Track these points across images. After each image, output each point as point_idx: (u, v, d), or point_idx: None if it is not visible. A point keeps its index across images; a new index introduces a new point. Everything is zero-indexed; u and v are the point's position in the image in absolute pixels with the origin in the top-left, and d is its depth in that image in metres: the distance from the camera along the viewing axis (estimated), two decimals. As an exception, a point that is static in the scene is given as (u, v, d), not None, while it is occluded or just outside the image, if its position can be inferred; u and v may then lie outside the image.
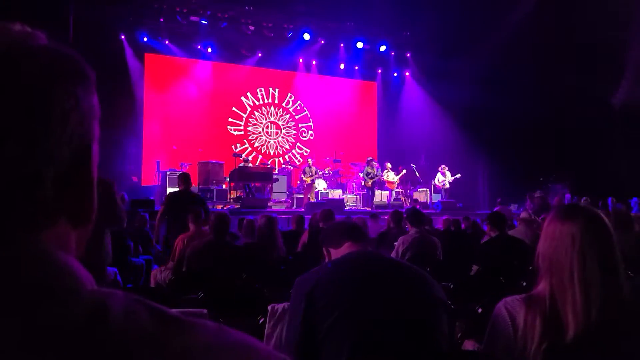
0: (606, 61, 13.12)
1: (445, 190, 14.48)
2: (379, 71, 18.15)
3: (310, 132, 17.19)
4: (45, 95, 0.50)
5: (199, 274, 3.95)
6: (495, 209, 10.96)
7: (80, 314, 0.46)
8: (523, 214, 6.69)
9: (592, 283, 1.37)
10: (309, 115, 17.20)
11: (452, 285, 3.58)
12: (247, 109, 16.29)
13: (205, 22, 14.52)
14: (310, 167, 13.19)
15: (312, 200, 12.62)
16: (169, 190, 10.54)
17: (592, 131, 13.92)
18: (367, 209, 13.16)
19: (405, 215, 5.68)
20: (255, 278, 3.86)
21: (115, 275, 5.22)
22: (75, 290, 0.48)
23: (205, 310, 2.55)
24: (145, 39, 14.30)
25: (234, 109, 16.04)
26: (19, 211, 0.49)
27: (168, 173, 12.12)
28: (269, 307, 2.70)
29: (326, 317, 1.71)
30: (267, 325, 2.65)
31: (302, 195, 13.17)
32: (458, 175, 14.41)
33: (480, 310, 2.69)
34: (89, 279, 0.50)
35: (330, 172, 14.48)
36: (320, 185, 13.82)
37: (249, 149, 16.00)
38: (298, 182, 13.87)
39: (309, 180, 13.01)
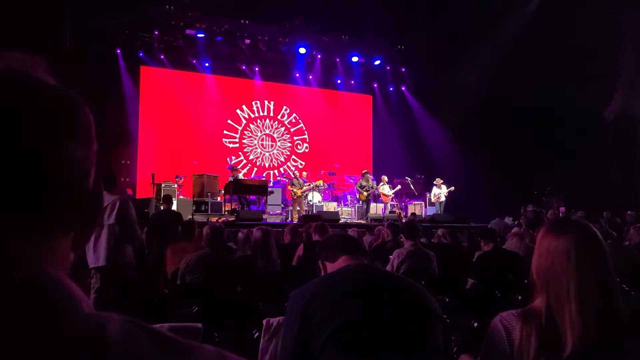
0: (599, 74, 13.24)
1: (441, 203, 14.50)
2: (375, 85, 18.24)
3: (305, 144, 17.22)
4: (70, 120, 0.54)
5: (194, 287, 3.93)
6: (492, 222, 10.99)
7: (77, 338, 0.45)
8: (515, 229, 6.72)
9: (589, 298, 1.37)
10: (304, 128, 17.24)
11: (447, 299, 3.57)
12: (242, 122, 16.31)
13: (201, 36, 14.58)
14: (297, 178, 13.17)
15: (302, 213, 12.60)
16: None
17: (586, 144, 14.01)
18: (362, 221, 13.14)
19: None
20: (251, 291, 3.84)
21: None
22: (73, 313, 0.47)
23: (200, 325, 2.53)
24: (140, 53, 14.34)
25: (229, 121, 16.06)
26: (23, 222, 0.49)
27: (163, 185, 12.08)
28: (264, 321, 2.68)
29: (322, 331, 1.70)
30: (262, 339, 2.64)
31: (292, 208, 13.14)
32: (452, 188, 14.45)
33: (475, 324, 2.68)
34: (86, 302, 0.49)
35: (325, 185, 14.47)
36: (315, 197, 13.80)
37: (244, 161, 16.00)
38: (292, 194, 13.84)
39: (299, 192, 12.98)
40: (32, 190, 0.50)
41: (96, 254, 4.87)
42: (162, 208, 7.55)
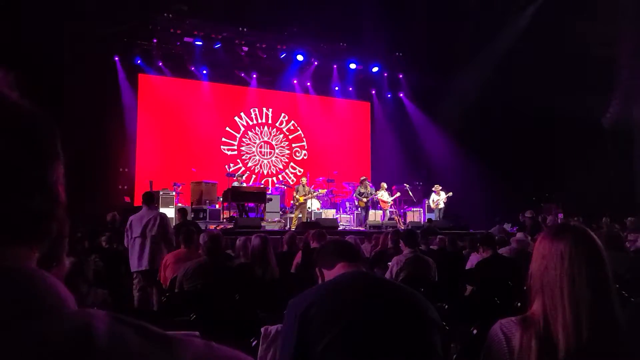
0: (597, 81, 13.28)
1: (440, 210, 14.50)
2: (373, 92, 18.28)
3: (303, 151, 17.23)
4: (46, 142, 0.56)
5: (192, 295, 3.91)
6: (493, 228, 11.00)
7: (64, 335, 0.45)
8: (519, 234, 6.70)
9: (582, 301, 1.37)
10: (303, 135, 17.25)
11: (446, 306, 3.56)
12: (240, 129, 16.32)
13: (199, 43, 14.62)
14: (304, 186, 13.18)
15: (303, 220, 12.59)
16: (162, 210, 10.52)
17: (584, 150, 14.03)
18: (361, 228, 13.13)
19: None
20: (249, 299, 3.82)
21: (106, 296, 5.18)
22: (59, 310, 0.47)
23: (197, 333, 2.51)
24: (138, 60, 14.37)
25: (227, 128, 16.07)
26: (7, 225, 0.50)
27: (161, 193, 12.06)
28: (262, 329, 2.67)
29: (320, 339, 1.69)
30: (260, 347, 2.62)
31: (294, 215, 13.13)
32: (450, 194, 14.47)
33: (475, 331, 2.67)
34: (71, 299, 0.50)
35: (324, 192, 14.47)
36: (314, 205, 13.79)
37: (243, 168, 15.99)
38: (292, 201, 13.82)
39: (302, 199, 12.98)
40: (16, 201, 0.50)
41: (140, 260, 5.92)
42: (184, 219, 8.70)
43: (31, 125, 0.54)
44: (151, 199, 6.33)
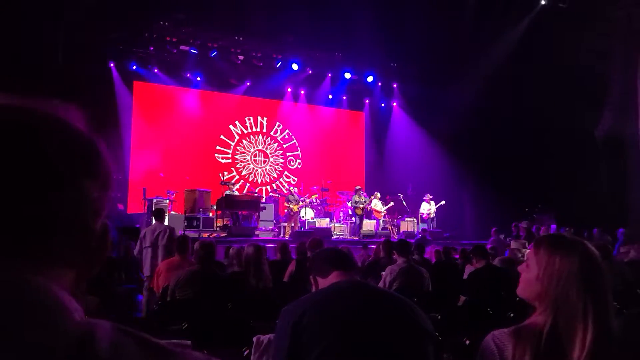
0: (589, 93, 13.38)
1: (432, 219, 14.52)
2: (367, 101, 18.35)
3: (298, 160, 17.24)
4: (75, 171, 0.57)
5: (184, 303, 3.89)
6: (491, 239, 11.01)
7: (67, 345, 0.46)
8: (514, 244, 6.71)
9: (601, 318, 1.39)
10: (297, 144, 17.27)
11: (439, 316, 3.56)
12: (235, 137, 16.33)
13: (195, 51, 14.64)
14: (293, 194, 13.20)
15: (296, 229, 12.58)
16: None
17: (577, 162, 14.11)
18: (354, 238, 13.13)
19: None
20: (241, 308, 3.80)
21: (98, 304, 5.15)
22: (62, 320, 0.48)
23: (189, 342, 2.50)
24: (134, 67, 14.37)
25: (222, 137, 16.06)
26: (21, 246, 0.51)
27: (154, 201, 12.01)
28: (255, 338, 2.65)
29: (313, 348, 1.68)
30: (252, 357, 2.61)
31: (287, 224, 13.12)
32: (442, 202, 14.50)
33: (467, 342, 2.67)
34: (77, 310, 0.50)
35: (318, 200, 14.47)
36: (308, 214, 13.78)
37: (237, 177, 15.97)
38: (285, 210, 13.82)
39: (295, 208, 12.97)
40: (40, 218, 0.52)
41: (151, 266, 6.51)
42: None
43: (79, 146, 0.56)
44: (161, 215, 7.28)
